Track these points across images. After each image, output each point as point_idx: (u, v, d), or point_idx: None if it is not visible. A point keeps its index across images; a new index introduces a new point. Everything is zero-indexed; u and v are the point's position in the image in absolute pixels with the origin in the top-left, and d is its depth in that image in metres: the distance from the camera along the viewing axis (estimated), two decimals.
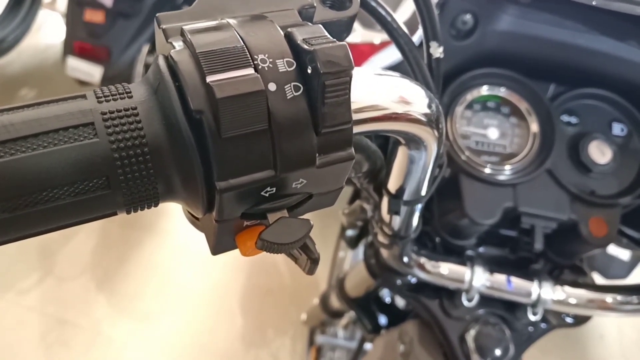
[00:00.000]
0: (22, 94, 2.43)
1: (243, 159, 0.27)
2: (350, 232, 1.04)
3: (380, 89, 0.35)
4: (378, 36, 0.96)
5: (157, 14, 0.31)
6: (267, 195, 0.29)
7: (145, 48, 1.99)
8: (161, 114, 0.27)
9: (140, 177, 0.27)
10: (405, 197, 0.49)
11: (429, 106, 0.37)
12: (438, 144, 0.41)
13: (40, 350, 1.68)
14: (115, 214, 0.28)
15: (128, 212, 0.29)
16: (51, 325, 1.73)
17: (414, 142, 0.40)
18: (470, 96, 0.69)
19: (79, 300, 1.79)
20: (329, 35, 0.28)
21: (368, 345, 1.16)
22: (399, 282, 0.77)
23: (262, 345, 1.79)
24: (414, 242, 0.69)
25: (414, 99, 0.36)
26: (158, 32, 0.30)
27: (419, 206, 0.55)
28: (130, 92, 0.28)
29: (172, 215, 2.05)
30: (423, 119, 0.37)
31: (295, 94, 0.27)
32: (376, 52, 0.76)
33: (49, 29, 2.82)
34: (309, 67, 0.27)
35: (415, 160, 0.43)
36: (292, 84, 0.27)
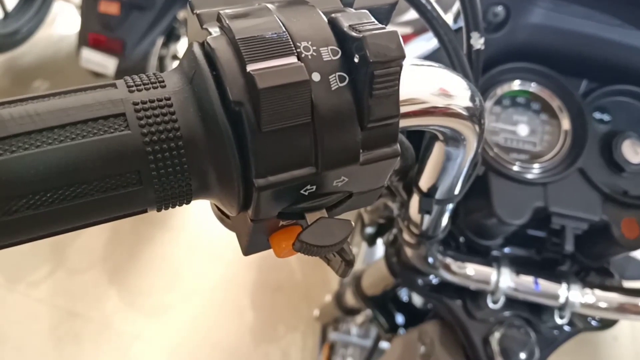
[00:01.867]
0: (35, 85, 2.43)
1: (283, 155, 0.25)
2: (369, 230, 1.03)
3: (419, 80, 0.33)
4: (401, 30, 0.94)
5: None
6: (306, 193, 0.27)
7: (160, 41, 1.98)
8: (197, 105, 0.25)
9: (173, 172, 0.25)
10: (438, 195, 0.47)
11: (472, 99, 0.35)
12: (478, 140, 0.39)
13: (51, 343, 1.67)
14: (145, 211, 0.27)
15: (159, 210, 0.27)
16: (61, 318, 1.72)
17: (453, 138, 0.38)
18: (500, 91, 0.67)
19: (90, 294, 1.79)
20: (376, 22, 0.26)
21: (383, 344, 1.14)
22: (420, 281, 0.75)
23: (272, 341, 1.78)
24: (439, 242, 0.67)
25: (456, 91, 0.34)
26: (191, 18, 0.28)
27: (450, 205, 0.53)
28: (163, 81, 0.26)
29: (183, 211, 2.04)
30: (465, 113, 0.35)
31: (340, 84, 0.25)
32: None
33: (63, 21, 2.81)
34: (356, 56, 0.25)
35: (451, 157, 0.41)
36: (337, 74, 0.25)
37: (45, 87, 2.43)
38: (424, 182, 0.47)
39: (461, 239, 0.72)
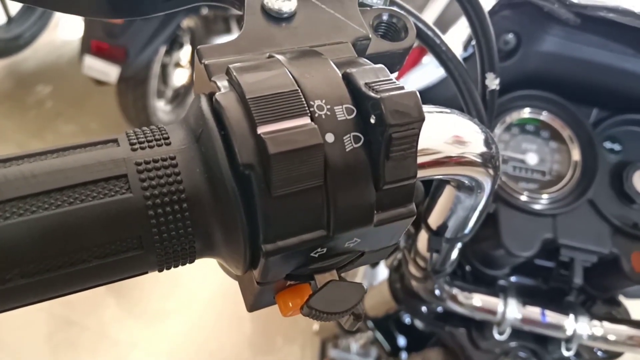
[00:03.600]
0: (37, 90, 2.42)
1: (293, 219, 0.24)
2: None
3: (432, 129, 0.31)
4: None
5: (198, 47, 0.27)
6: (316, 255, 0.26)
7: (163, 49, 1.97)
8: (203, 165, 0.24)
9: (177, 235, 0.24)
10: (448, 234, 0.46)
11: (486, 144, 0.34)
12: (492, 184, 0.37)
13: (47, 351, 1.66)
14: (145, 273, 0.25)
15: (160, 271, 0.26)
16: (58, 326, 1.71)
17: (464, 184, 0.37)
18: (509, 118, 0.66)
19: (87, 302, 1.77)
20: (394, 79, 0.25)
21: None
22: (424, 309, 0.73)
23: (270, 353, 1.77)
24: (446, 274, 0.65)
25: (470, 137, 0.33)
26: (198, 68, 0.27)
27: (457, 249, 0.52)
28: (167, 138, 0.25)
29: None
30: (479, 160, 0.34)
31: (355, 145, 0.24)
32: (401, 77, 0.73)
33: (65, 26, 2.80)
34: (373, 116, 0.24)
35: (463, 201, 0.40)
36: (352, 134, 0.24)
37: (47, 92, 2.42)
38: (434, 220, 0.46)
39: (467, 268, 0.71)
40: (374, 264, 0.97)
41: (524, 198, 0.63)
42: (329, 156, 0.23)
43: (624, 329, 0.66)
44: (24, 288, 0.22)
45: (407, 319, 0.99)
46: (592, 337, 0.66)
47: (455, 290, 0.65)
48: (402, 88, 0.24)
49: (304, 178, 0.23)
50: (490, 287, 0.68)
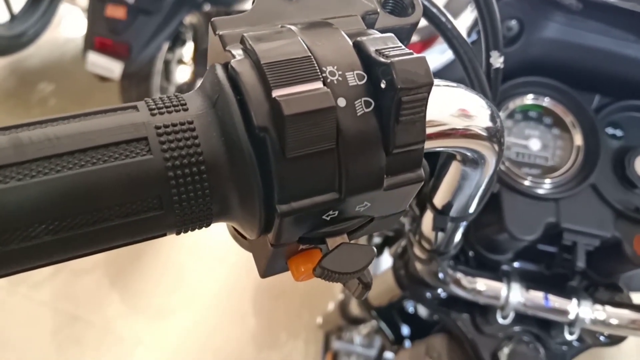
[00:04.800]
0: (40, 87, 2.43)
1: (307, 181, 0.25)
2: (376, 240, 1.02)
3: (438, 101, 0.32)
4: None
5: (212, 19, 0.28)
6: (328, 218, 0.27)
7: (166, 45, 1.97)
8: (220, 129, 0.25)
9: (195, 197, 0.25)
10: (453, 213, 0.47)
11: (492, 119, 0.35)
12: (497, 160, 0.38)
13: (52, 347, 1.67)
14: (164, 234, 0.26)
15: (178, 233, 0.27)
16: (63, 322, 1.72)
17: (471, 158, 0.37)
18: (512, 105, 0.67)
19: (92, 298, 1.78)
20: (403, 46, 0.26)
21: (388, 354, 1.13)
22: (428, 295, 0.74)
23: (274, 348, 1.77)
24: (450, 257, 0.66)
25: (476, 111, 0.34)
26: (213, 39, 0.28)
27: (464, 223, 0.53)
28: (185, 104, 0.25)
29: None
30: (484, 134, 0.34)
31: (366, 110, 0.25)
32: None
33: (69, 24, 2.81)
34: (383, 81, 0.25)
35: (468, 177, 0.41)
36: (363, 99, 0.25)
37: (50, 89, 2.43)
38: (439, 200, 0.47)
39: (471, 253, 0.72)
40: (379, 252, 0.98)
41: (527, 183, 0.64)
42: (341, 120, 0.24)
43: (627, 313, 0.67)
44: (49, 245, 0.23)
45: (410, 308, 1.00)
46: (595, 321, 0.66)
47: (459, 275, 0.66)
48: (411, 53, 0.25)
49: (316, 140, 0.24)
50: (493, 272, 0.69)
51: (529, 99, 0.67)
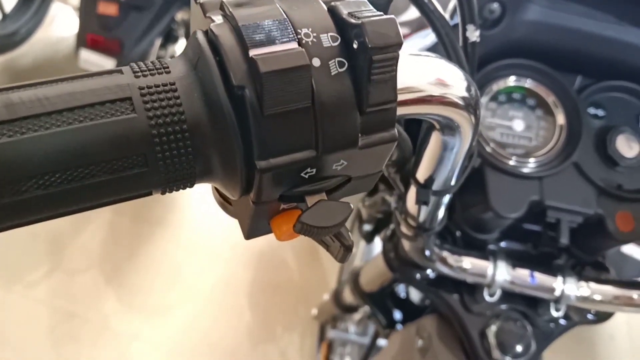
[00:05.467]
0: None
1: (284, 138, 0.26)
2: (366, 227, 1.03)
3: (416, 70, 0.33)
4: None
5: None
6: (306, 176, 0.28)
7: (158, 42, 1.98)
8: (201, 90, 0.26)
9: (178, 155, 0.26)
10: (435, 187, 0.48)
11: (468, 90, 0.36)
12: (474, 131, 0.40)
13: (49, 343, 1.67)
14: (150, 193, 0.27)
15: (163, 192, 0.28)
16: (59, 319, 1.72)
17: (448, 127, 0.39)
18: (495, 87, 0.68)
19: (88, 294, 1.79)
20: (374, 9, 0.27)
21: (381, 341, 1.15)
22: (417, 276, 0.76)
23: (270, 342, 1.78)
24: (436, 236, 0.68)
25: (452, 81, 0.35)
26: (194, 7, 0.29)
27: (447, 197, 0.54)
28: (167, 68, 0.27)
29: (181, 210, 2.05)
30: (461, 102, 0.36)
31: (340, 70, 0.26)
32: None
33: (61, 22, 2.82)
34: (355, 42, 0.26)
35: (448, 148, 0.42)
36: (337, 59, 0.26)
37: None
38: (421, 174, 0.48)
39: (458, 234, 0.73)
40: (370, 239, 0.99)
41: (511, 162, 0.65)
42: (316, 79, 0.26)
43: (610, 289, 0.68)
44: (40, 200, 0.24)
45: (402, 294, 1.02)
46: (580, 298, 0.68)
47: (445, 253, 0.67)
48: (381, 15, 0.26)
49: (293, 98, 0.25)
50: (480, 251, 0.70)
51: (511, 81, 0.68)
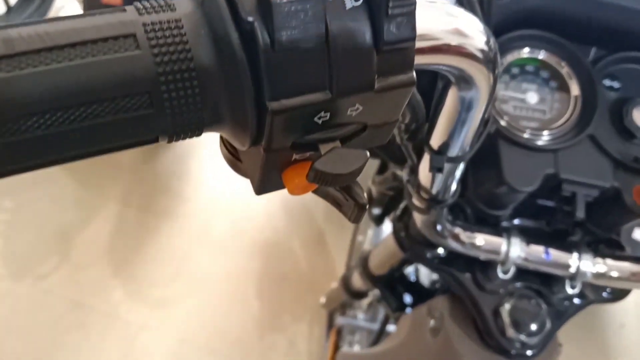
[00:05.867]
0: None
1: (296, 78, 0.25)
2: (376, 211, 1.02)
3: (433, 16, 0.32)
4: None
5: None
6: (320, 122, 0.27)
7: None
8: (208, 27, 0.25)
9: (185, 96, 0.25)
10: (450, 153, 0.47)
11: (487, 43, 0.34)
12: (491, 90, 0.38)
13: (56, 332, 1.67)
14: (156, 139, 0.26)
15: (170, 140, 0.27)
16: (67, 308, 1.72)
17: (464, 81, 0.37)
18: (509, 58, 0.66)
19: (96, 285, 1.79)
20: None
21: (391, 327, 1.13)
22: (429, 254, 0.74)
23: (278, 331, 1.78)
24: (448, 212, 0.66)
25: (471, 32, 0.33)
26: None
27: (460, 168, 0.53)
28: (173, 6, 0.25)
29: (188, 201, 2.04)
30: (479, 55, 0.34)
31: (355, 3, 0.25)
32: None
33: (66, 14, 2.81)
34: None
35: (464, 108, 0.41)
36: None
37: None
38: (435, 140, 0.47)
39: (469, 212, 0.72)
40: (379, 221, 0.98)
41: (525, 135, 0.64)
42: (329, 13, 0.24)
43: (627, 266, 0.67)
44: (40, 141, 0.23)
45: (412, 277, 1.00)
46: (596, 275, 0.66)
47: (457, 229, 0.66)
48: None
49: (305, 32, 0.24)
50: (493, 228, 0.69)
51: (525, 53, 0.67)
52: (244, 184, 1.63)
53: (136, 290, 1.80)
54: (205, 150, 2.18)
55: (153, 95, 0.24)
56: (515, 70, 0.67)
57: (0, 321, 1.67)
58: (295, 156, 0.28)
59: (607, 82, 0.67)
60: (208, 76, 0.25)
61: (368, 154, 0.28)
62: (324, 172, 0.26)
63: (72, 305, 1.73)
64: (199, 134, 0.27)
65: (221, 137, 0.33)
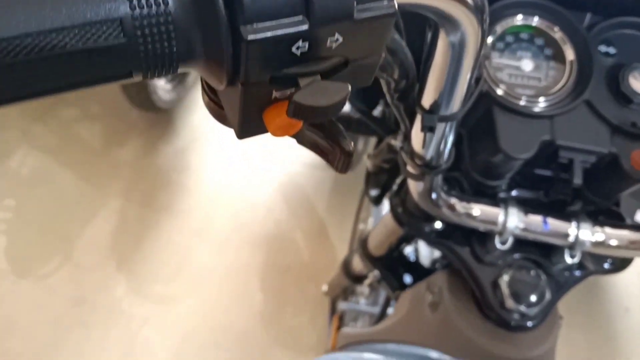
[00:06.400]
0: None
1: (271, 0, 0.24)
2: (373, 192, 1.02)
3: None
4: None
5: None
6: (298, 53, 0.26)
7: None
8: None
9: (157, 23, 0.24)
10: (441, 112, 0.46)
11: None
12: (480, 41, 0.37)
13: (58, 329, 1.67)
14: (130, 74, 0.25)
15: (144, 76, 0.26)
16: (68, 306, 1.72)
17: (452, 27, 0.36)
18: (501, 27, 0.65)
19: (97, 283, 1.79)
20: None
21: (391, 310, 1.13)
22: (426, 228, 0.74)
23: (281, 323, 1.78)
24: (444, 182, 0.66)
25: None
26: None
27: (452, 132, 0.52)
28: None
29: (189, 196, 2.04)
30: (470, 1, 0.34)
31: None
32: None
33: None
34: None
35: (453, 60, 0.40)
36: None
37: None
38: (427, 99, 0.46)
39: (466, 185, 0.71)
40: (378, 202, 0.98)
41: (521, 102, 0.63)
42: None
43: (626, 234, 0.66)
44: (10, 69, 0.22)
45: (411, 257, 1.00)
46: (595, 243, 0.66)
47: (453, 200, 0.65)
48: None
49: None
50: (491, 199, 0.68)
51: (518, 20, 0.66)
52: (245, 178, 1.63)
53: (138, 286, 1.80)
54: (205, 145, 2.18)
55: (124, 22, 0.23)
56: (509, 38, 0.66)
57: (4, 319, 1.67)
58: (275, 94, 0.28)
59: (602, 48, 0.66)
60: (180, 3, 0.24)
61: (349, 87, 0.27)
62: (303, 105, 0.26)
63: (75, 302, 1.73)
64: (174, 70, 0.26)
65: (202, 84, 0.32)
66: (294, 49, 0.25)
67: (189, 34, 0.25)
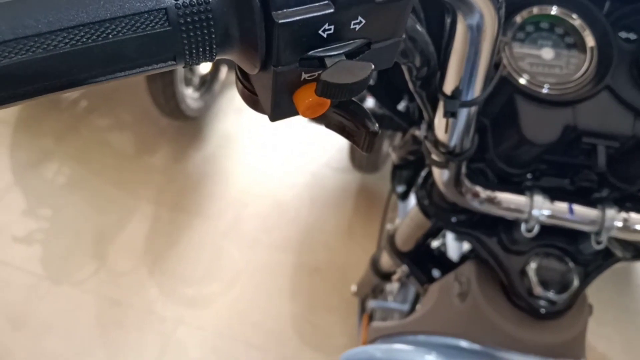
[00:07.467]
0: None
1: None
2: (399, 189, 1.03)
3: None
4: None
5: None
6: (324, 35, 0.28)
7: None
8: None
9: (197, 12, 0.26)
10: (462, 97, 0.48)
11: None
12: (497, 25, 0.39)
13: (96, 330, 1.72)
14: (174, 60, 0.28)
15: (186, 64, 0.28)
16: (105, 307, 1.77)
17: (470, 13, 0.38)
18: (520, 17, 0.67)
19: (132, 284, 1.83)
20: None
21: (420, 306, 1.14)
22: (453, 219, 0.75)
23: (312, 323, 1.79)
24: (469, 174, 0.67)
25: None
26: None
27: (474, 120, 0.54)
28: None
29: (218, 199, 2.08)
30: None
31: None
32: None
33: None
34: None
35: (472, 46, 0.42)
36: None
37: (79, 92, 2.49)
38: (448, 85, 0.48)
39: (491, 175, 0.72)
40: (404, 197, 0.99)
41: (543, 90, 0.64)
42: None
43: None
44: (65, 57, 0.25)
45: (439, 251, 1.01)
46: (621, 228, 0.66)
47: (478, 188, 0.66)
48: None
49: None
50: (516, 187, 0.69)
51: (538, 10, 0.67)
52: (272, 182, 1.66)
53: (171, 287, 1.84)
54: (232, 151, 2.22)
55: (169, 13, 0.26)
56: (529, 28, 0.67)
57: (42, 322, 1.72)
58: (304, 76, 0.30)
59: (623, 34, 0.67)
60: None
61: (373, 65, 0.29)
62: (331, 83, 0.28)
63: (110, 304, 1.78)
64: (213, 57, 0.29)
65: (236, 73, 0.35)
66: (320, 32, 0.28)
67: (226, 22, 0.27)
